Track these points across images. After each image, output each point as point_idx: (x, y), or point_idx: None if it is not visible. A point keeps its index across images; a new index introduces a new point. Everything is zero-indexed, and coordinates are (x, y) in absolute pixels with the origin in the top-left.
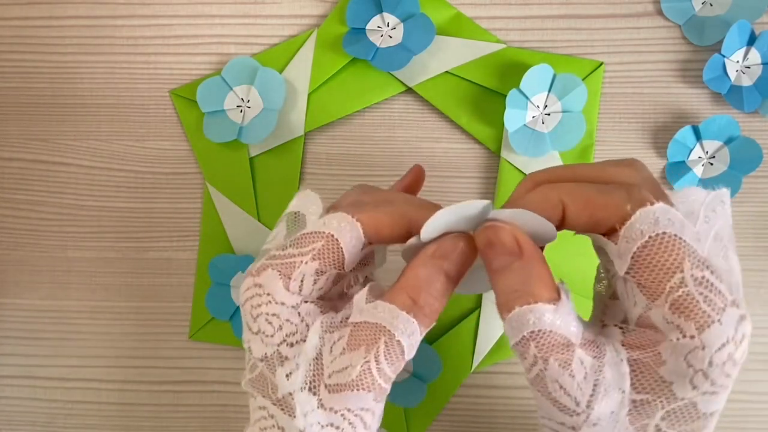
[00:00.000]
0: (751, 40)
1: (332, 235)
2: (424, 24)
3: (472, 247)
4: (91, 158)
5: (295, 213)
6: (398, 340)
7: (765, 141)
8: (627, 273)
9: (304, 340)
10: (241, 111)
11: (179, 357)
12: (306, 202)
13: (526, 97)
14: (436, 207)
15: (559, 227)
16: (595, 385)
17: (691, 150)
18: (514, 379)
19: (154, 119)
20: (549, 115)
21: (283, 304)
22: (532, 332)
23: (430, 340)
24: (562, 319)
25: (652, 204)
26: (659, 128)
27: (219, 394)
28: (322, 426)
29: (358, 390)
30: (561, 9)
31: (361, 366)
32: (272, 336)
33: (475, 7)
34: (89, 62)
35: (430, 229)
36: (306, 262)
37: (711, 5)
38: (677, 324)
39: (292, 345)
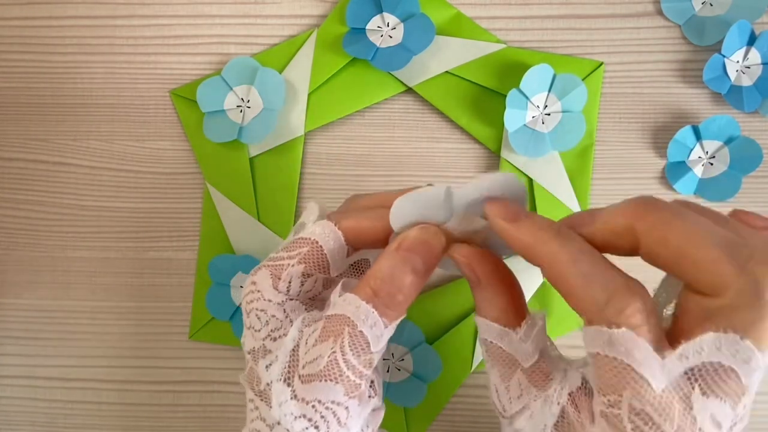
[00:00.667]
0: (751, 40)
1: (316, 242)
2: (424, 24)
3: (438, 238)
4: (91, 158)
5: (301, 223)
6: (360, 331)
7: (765, 141)
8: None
9: (287, 335)
10: (241, 111)
11: (179, 357)
12: (310, 212)
13: (526, 97)
14: None
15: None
16: (523, 407)
17: (691, 150)
18: None
19: (154, 119)
20: (549, 115)
21: (270, 301)
22: (484, 339)
23: (430, 340)
24: (513, 343)
25: (610, 327)
26: (659, 128)
27: (219, 394)
28: (296, 417)
29: (325, 380)
30: (561, 9)
31: (328, 356)
32: (260, 330)
33: (475, 7)
34: (89, 62)
35: (397, 219)
36: (293, 265)
37: (711, 5)
38: (601, 428)
39: (275, 339)
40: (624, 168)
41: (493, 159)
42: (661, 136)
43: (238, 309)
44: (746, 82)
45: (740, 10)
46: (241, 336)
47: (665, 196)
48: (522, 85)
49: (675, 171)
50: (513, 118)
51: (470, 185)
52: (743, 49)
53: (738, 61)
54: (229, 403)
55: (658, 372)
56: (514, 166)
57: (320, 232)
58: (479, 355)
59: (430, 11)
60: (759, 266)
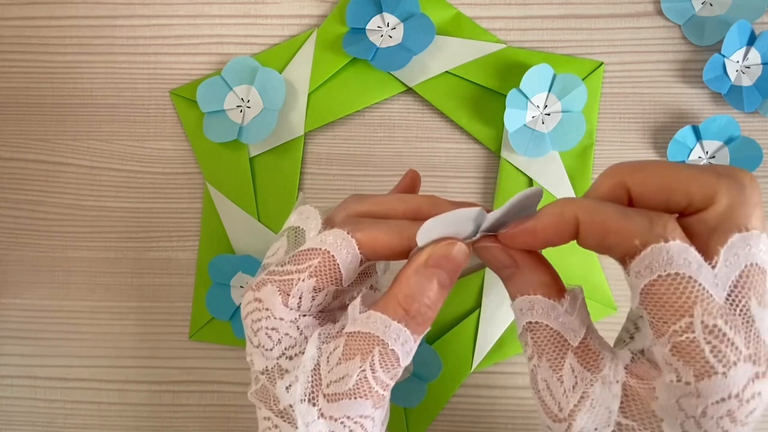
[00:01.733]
0: (751, 40)
1: (329, 252)
2: (424, 24)
3: (465, 254)
4: (91, 158)
5: (295, 228)
6: (392, 349)
7: (765, 141)
8: (639, 305)
9: (303, 353)
10: (241, 111)
11: (179, 357)
12: (305, 217)
13: (526, 97)
14: (436, 215)
15: (580, 243)
16: (581, 397)
17: (691, 150)
18: (514, 379)
19: (154, 119)
20: (549, 115)
21: (282, 319)
22: (529, 323)
23: (430, 340)
24: (560, 317)
25: (666, 241)
26: (659, 128)
27: (219, 394)
28: None
29: (355, 398)
30: (561, 9)
31: (357, 375)
32: (272, 350)
33: (475, 7)
34: (89, 62)
35: (423, 237)
36: (303, 279)
37: (711, 5)
38: (675, 367)
39: (291, 358)
40: None
41: (493, 159)
42: (661, 136)
43: (238, 309)
44: (746, 82)
45: (740, 10)
46: (246, 349)
47: None
48: (522, 85)
49: None
50: (513, 118)
51: (502, 209)
52: (743, 49)
53: (738, 61)
54: (229, 403)
55: (714, 281)
56: (514, 166)
57: (332, 242)
58: (479, 355)
59: (430, 11)
60: (725, 170)
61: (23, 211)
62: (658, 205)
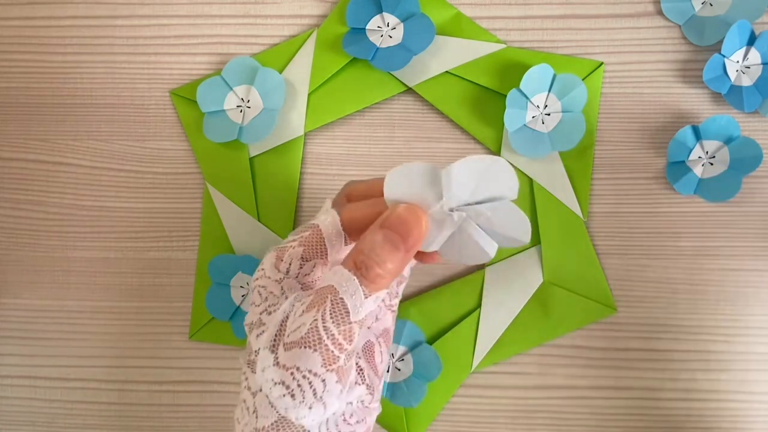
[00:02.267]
0: (751, 40)
1: (317, 225)
2: (424, 24)
3: (418, 219)
4: (91, 158)
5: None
6: (341, 298)
7: (765, 141)
8: None
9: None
10: (241, 111)
11: (179, 357)
12: (324, 206)
13: (526, 97)
14: None
15: None
16: None
17: (691, 150)
18: (514, 379)
19: (154, 119)
20: (549, 115)
21: (269, 278)
22: None
23: (430, 340)
24: None
25: None
26: (659, 128)
27: (219, 394)
28: (275, 383)
29: (305, 347)
30: (561, 9)
31: (310, 324)
32: (258, 305)
33: (475, 7)
34: (89, 62)
35: (390, 192)
36: (294, 247)
37: (711, 5)
38: None
39: (270, 313)
40: (624, 168)
41: None
42: (661, 136)
43: (238, 309)
44: (746, 82)
45: (740, 10)
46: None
47: (665, 196)
48: (522, 85)
49: (675, 171)
50: (513, 118)
51: (457, 165)
52: (743, 49)
53: (738, 61)
54: (229, 403)
55: None
56: (515, 166)
57: (323, 218)
58: (479, 355)
59: (430, 11)
60: None
61: (23, 211)
62: None
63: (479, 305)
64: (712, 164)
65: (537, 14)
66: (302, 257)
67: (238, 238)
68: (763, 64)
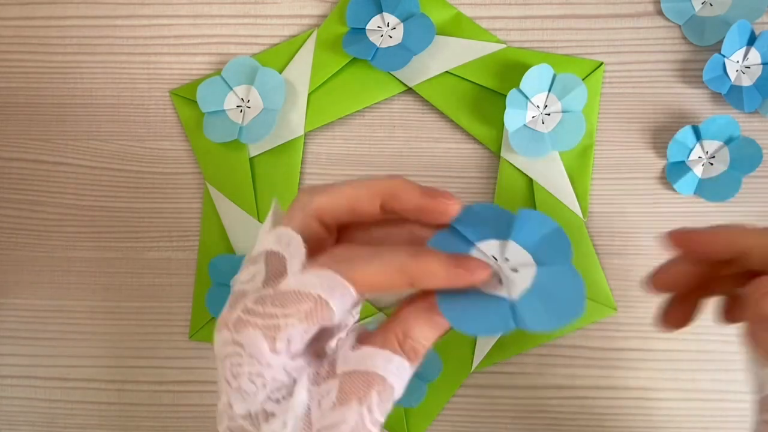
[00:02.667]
0: (751, 40)
1: (321, 297)
2: (424, 24)
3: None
4: (91, 158)
5: (275, 254)
6: (391, 385)
7: (765, 141)
8: None
9: (291, 395)
10: (241, 111)
11: (179, 357)
12: (286, 243)
13: (526, 97)
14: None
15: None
16: None
17: (691, 150)
18: (514, 379)
19: (154, 119)
20: (549, 115)
21: (269, 365)
22: None
23: None
24: None
25: None
26: (659, 128)
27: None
28: None
29: None
30: (561, 9)
31: (354, 420)
32: (255, 394)
33: (475, 7)
34: (89, 62)
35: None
36: (293, 325)
37: (711, 5)
38: None
39: (278, 401)
40: (624, 168)
41: (493, 159)
42: (661, 136)
43: None
44: (746, 82)
45: (740, 10)
46: (217, 386)
47: (665, 196)
48: (522, 85)
49: (675, 171)
50: (513, 118)
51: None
52: (743, 49)
53: (738, 61)
54: None
55: None
56: (514, 166)
57: (325, 286)
58: (479, 354)
59: (430, 11)
60: None
61: (23, 211)
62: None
63: None
64: (712, 164)
65: (537, 14)
66: (304, 330)
67: (238, 238)
68: (763, 64)
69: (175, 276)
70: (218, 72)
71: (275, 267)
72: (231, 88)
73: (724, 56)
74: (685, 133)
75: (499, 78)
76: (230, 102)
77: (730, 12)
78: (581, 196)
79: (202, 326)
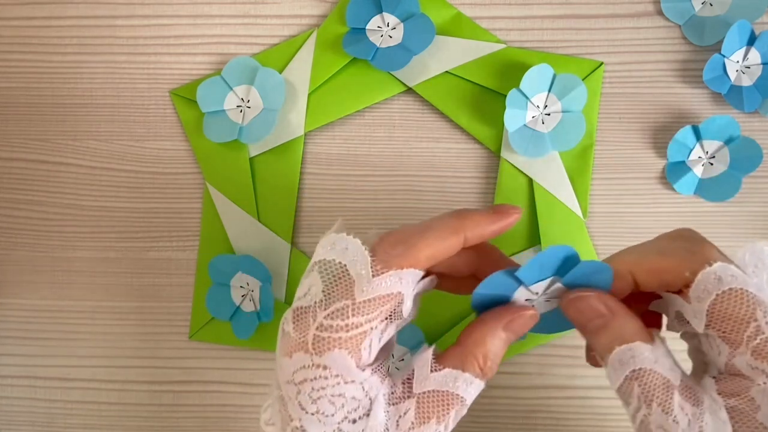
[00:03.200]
0: (751, 40)
1: (400, 293)
2: (424, 24)
3: (536, 319)
4: (91, 158)
5: (331, 262)
6: (467, 404)
7: (765, 141)
8: (706, 328)
9: (367, 415)
10: (241, 111)
11: (179, 357)
12: (343, 248)
13: (526, 97)
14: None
15: (638, 290)
16: None
17: (691, 150)
18: (514, 379)
19: (154, 119)
20: (549, 115)
21: (353, 382)
22: (634, 371)
23: (430, 340)
24: (659, 359)
25: (710, 264)
26: (659, 128)
27: (219, 394)
28: None
29: None
30: (561, 9)
31: None
32: (333, 415)
33: (475, 7)
34: (89, 62)
35: (476, 303)
36: (375, 328)
37: (711, 5)
38: (762, 369)
39: (354, 421)
40: (624, 168)
41: (493, 159)
42: (661, 136)
43: (238, 309)
44: (746, 82)
45: (740, 10)
46: (292, 417)
47: (665, 196)
48: (522, 85)
49: (675, 171)
50: (513, 118)
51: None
52: (743, 49)
53: (738, 61)
54: (228, 403)
55: (758, 287)
56: (514, 166)
57: (405, 282)
58: None
59: (430, 11)
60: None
61: (23, 211)
62: (661, 289)
63: None
64: (712, 164)
65: (537, 14)
66: (381, 332)
67: (238, 238)
68: (763, 64)
69: (175, 276)
70: (218, 72)
71: (336, 275)
72: (231, 88)
73: (724, 56)
74: (685, 133)
75: (499, 78)
76: (230, 102)
77: (730, 12)
78: (581, 196)
79: (202, 326)
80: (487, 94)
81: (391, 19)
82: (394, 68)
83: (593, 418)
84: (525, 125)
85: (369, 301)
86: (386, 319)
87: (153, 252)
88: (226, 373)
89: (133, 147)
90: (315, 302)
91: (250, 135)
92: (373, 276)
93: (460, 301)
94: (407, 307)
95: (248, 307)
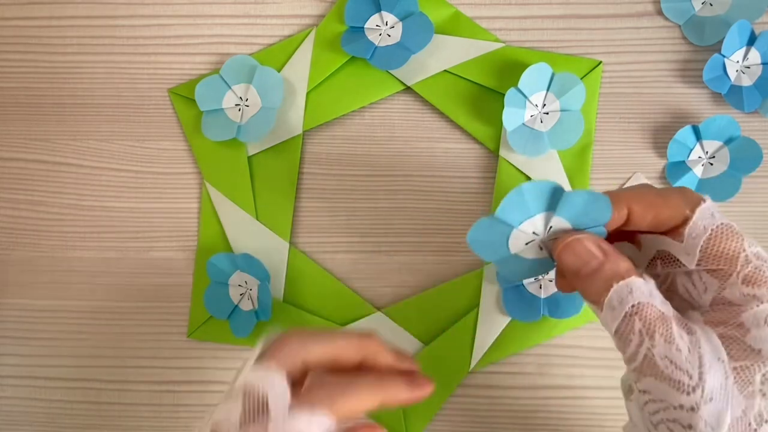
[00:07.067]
0: (751, 40)
1: None
2: (422, 23)
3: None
4: (91, 158)
5: (256, 391)
6: None
7: (765, 141)
8: (698, 264)
9: None
10: (239, 110)
11: (179, 357)
12: (270, 383)
13: (525, 96)
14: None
15: (625, 227)
16: (700, 357)
17: (691, 150)
18: (514, 379)
19: (154, 119)
20: (547, 114)
21: None
22: (633, 306)
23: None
24: (652, 293)
25: (704, 202)
26: (659, 128)
27: (219, 394)
28: None
29: None
30: (561, 9)
31: None
32: None
33: (474, 7)
34: (89, 62)
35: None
36: None
37: (711, 5)
38: (754, 294)
39: None
40: (624, 168)
41: (492, 158)
42: (661, 136)
43: (236, 308)
44: (746, 82)
45: (740, 10)
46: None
47: None
48: (520, 84)
49: (675, 171)
50: (511, 117)
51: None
52: (743, 49)
53: (738, 61)
54: None
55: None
56: (513, 165)
57: (317, 426)
58: (477, 354)
59: (428, 10)
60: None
61: (23, 211)
62: (651, 228)
63: (477, 304)
64: (712, 164)
65: (536, 14)
66: None
67: (236, 236)
68: (763, 64)
69: (175, 276)
70: (217, 71)
71: (254, 404)
72: (229, 87)
73: (724, 56)
74: (685, 133)
75: (497, 77)
76: (229, 101)
77: (730, 12)
78: None
79: (201, 325)
80: (485, 93)
81: (390, 17)
82: (392, 67)
83: (593, 418)
84: (523, 124)
85: None
86: None
87: (153, 252)
88: (226, 373)
89: (133, 147)
90: (232, 424)
91: (248, 133)
92: (289, 413)
93: (458, 301)
94: None
95: (246, 305)
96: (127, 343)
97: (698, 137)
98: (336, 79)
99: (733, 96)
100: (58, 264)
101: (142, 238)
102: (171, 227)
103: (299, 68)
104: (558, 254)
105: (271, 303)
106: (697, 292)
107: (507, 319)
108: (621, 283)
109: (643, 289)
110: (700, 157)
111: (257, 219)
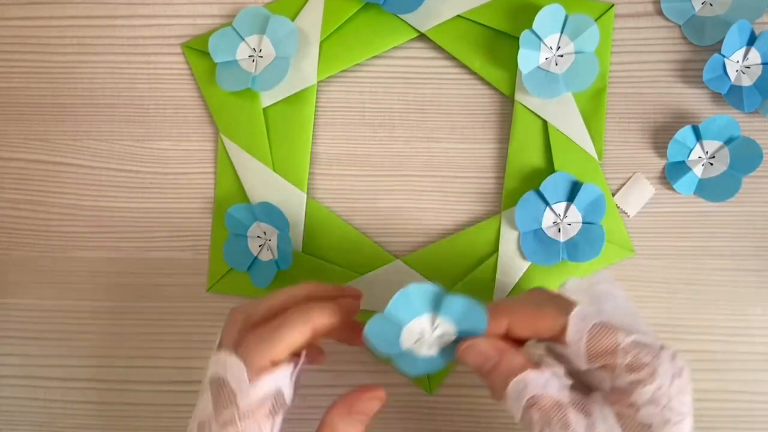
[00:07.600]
0: (751, 40)
1: (278, 388)
2: None
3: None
4: (91, 158)
5: (220, 379)
6: None
7: (765, 141)
8: (589, 363)
9: None
10: (253, 60)
11: (179, 357)
12: (225, 366)
13: (539, 38)
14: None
15: (510, 335)
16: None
17: (691, 150)
18: None
19: (154, 119)
20: (562, 56)
21: None
22: (529, 399)
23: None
24: (548, 383)
25: (575, 307)
26: (659, 128)
27: None
28: None
29: None
30: None
31: None
32: None
33: None
34: (89, 62)
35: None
36: (262, 424)
37: (711, 5)
38: (638, 379)
39: None
40: (624, 168)
41: (507, 104)
42: (661, 136)
43: (255, 259)
44: (746, 82)
45: (740, 10)
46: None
47: (665, 196)
48: (535, 26)
49: (675, 171)
50: (526, 59)
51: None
52: (743, 49)
53: (738, 61)
54: None
55: (607, 317)
56: (529, 109)
57: (280, 377)
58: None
59: None
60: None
61: (23, 211)
62: (532, 337)
63: (496, 249)
64: (712, 164)
65: None
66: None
67: (253, 188)
68: (763, 64)
69: (176, 276)
70: (230, 23)
71: (218, 390)
72: (243, 39)
73: (724, 56)
74: (685, 133)
75: (511, 20)
76: (242, 52)
77: (730, 12)
78: (596, 138)
79: (221, 278)
80: (499, 37)
81: None
82: (405, 11)
83: None
84: (538, 67)
85: (251, 404)
86: (270, 413)
87: (153, 252)
88: None
89: (133, 147)
90: (209, 416)
91: (263, 83)
92: (251, 382)
93: (474, 250)
94: (287, 395)
95: (266, 256)
96: (127, 343)
97: (698, 137)
98: (349, 28)
99: (733, 96)
100: (58, 264)
101: (142, 238)
102: (171, 227)
103: (312, 17)
104: (459, 355)
105: (292, 250)
106: (597, 382)
107: (526, 264)
108: (516, 378)
109: (538, 381)
110: (700, 157)
111: (273, 170)
